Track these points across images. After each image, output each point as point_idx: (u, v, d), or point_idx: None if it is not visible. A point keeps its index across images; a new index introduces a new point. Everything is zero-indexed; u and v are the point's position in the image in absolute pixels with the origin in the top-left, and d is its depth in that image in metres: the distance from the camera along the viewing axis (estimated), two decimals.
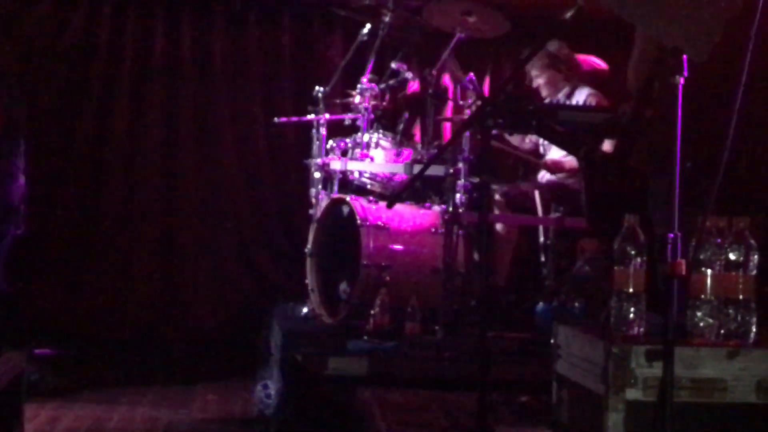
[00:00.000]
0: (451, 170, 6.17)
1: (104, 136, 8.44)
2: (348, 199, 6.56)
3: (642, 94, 4.31)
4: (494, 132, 5.79)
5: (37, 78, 8.25)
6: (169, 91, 8.57)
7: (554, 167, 6.79)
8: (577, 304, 5.68)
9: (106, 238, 8.41)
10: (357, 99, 6.90)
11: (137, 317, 8.35)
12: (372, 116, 6.83)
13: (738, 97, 3.12)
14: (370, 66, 7.08)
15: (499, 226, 6.87)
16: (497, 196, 6.85)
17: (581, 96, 6.74)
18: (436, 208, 6.59)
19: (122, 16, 8.50)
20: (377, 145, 6.71)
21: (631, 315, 3.30)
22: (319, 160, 6.93)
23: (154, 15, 8.57)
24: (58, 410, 6.12)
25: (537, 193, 6.83)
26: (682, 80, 3.07)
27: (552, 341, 3.73)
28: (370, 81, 6.89)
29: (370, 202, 6.56)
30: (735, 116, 3.10)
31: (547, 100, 6.94)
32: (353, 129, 6.97)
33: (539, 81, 6.95)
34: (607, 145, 5.51)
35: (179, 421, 6.10)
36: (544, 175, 6.98)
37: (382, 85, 7.01)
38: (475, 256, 6.36)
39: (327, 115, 7.07)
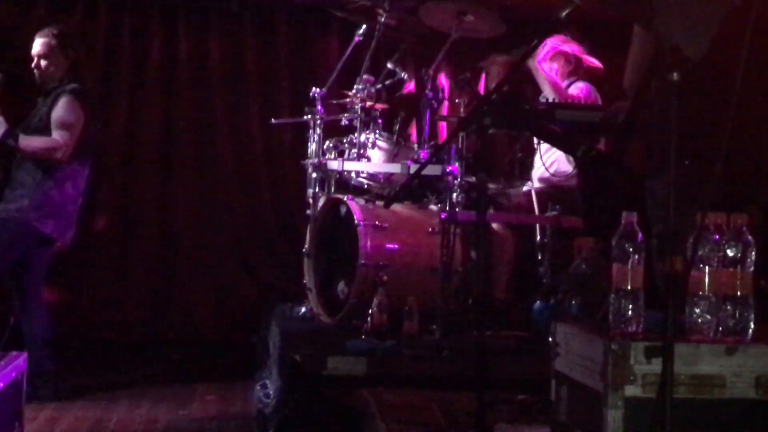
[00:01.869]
0: (448, 170, 6.18)
1: (101, 138, 8.43)
2: (345, 199, 6.58)
3: (639, 92, 4.33)
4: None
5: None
6: (166, 94, 8.59)
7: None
8: (573, 302, 5.70)
9: (104, 239, 8.42)
10: (353, 99, 6.91)
11: (136, 318, 8.37)
12: (368, 117, 6.84)
13: (735, 94, 3.14)
14: (365, 66, 7.10)
15: (495, 226, 6.88)
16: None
17: (575, 91, 6.78)
18: (433, 207, 6.61)
19: (118, 19, 8.52)
20: (374, 145, 6.72)
21: (630, 312, 3.31)
22: (315, 161, 6.95)
23: (149, 18, 8.59)
24: (58, 411, 6.12)
25: (533, 192, 6.85)
26: (678, 78, 3.08)
27: (550, 339, 3.74)
28: (365, 81, 6.90)
29: (367, 202, 6.57)
30: (732, 113, 3.12)
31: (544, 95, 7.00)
32: (350, 129, 6.98)
33: (546, 65, 6.99)
34: (602, 144, 5.54)
35: (179, 421, 6.11)
36: (539, 174, 7.00)
37: (378, 86, 7.03)
38: (473, 255, 6.38)
39: (324, 116, 7.08)
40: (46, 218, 6.31)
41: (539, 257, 6.57)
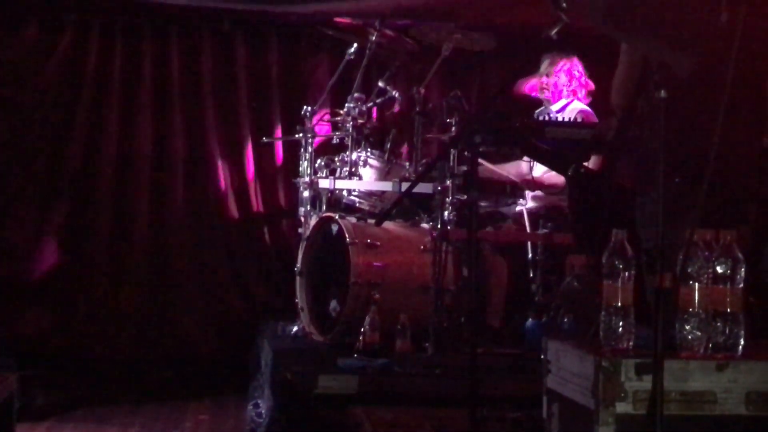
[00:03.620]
0: (440, 188, 6.18)
1: (93, 158, 8.44)
2: (336, 217, 6.58)
3: (627, 110, 4.35)
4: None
5: (24, 102, 8.28)
6: (158, 113, 8.57)
7: (535, 185, 6.80)
8: (566, 320, 5.70)
9: (97, 257, 8.40)
10: (345, 118, 6.92)
11: (128, 337, 8.33)
12: (360, 135, 6.85)
13: (723, 110, 3.15)
14: (356, 85, 7.12)
15: (487, 251, 6.88)
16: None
17: (573, 112, 6.83)
18: (425, 225, 6.61)
19: (110, 38, 8.51)
20: (365, 163, 6.73)
21: (620, 329, 3.32)
22: (307, 179, 6.95)
23: (141, 37, 8.57)
24: (51, 430, 6.11)
25: (525, 210, 6.86)
26: (666, 95, 3.09)
27: (542, 356, 3.74)
28: (357, 100, 6.92)
29: (358, 220, 6.58)
30: (720, 130, 3.13)
31: (542, 109, 7.04)
32: (341, 148, 7.00)
33: (549, 80, 7.05)
34: (592, 162, 5.55)
35: None
36: (533, 192, 7.01)
37: (370, 104, 7.04)
38: (464, 272, 6.38)
39: (315, 134, 7.09)
40: None
41: (531, 275, 6.57)
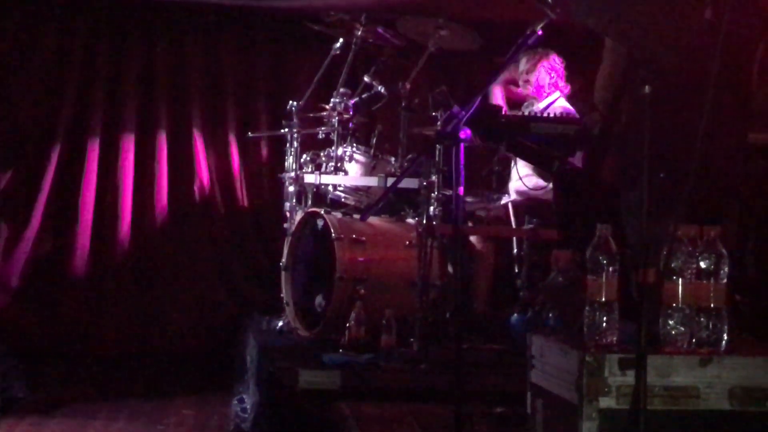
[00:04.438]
0: (425, 183, 6.18)
1: (78, 151, 8.42)
2: (322, 212, 6.58)
3: (611, 106, 4.35)
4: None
5: (9, 94, 8.25)
6: (144, 107, 8.56)
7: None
8: (551, 315, 5.70)
9: (81, 252, 8.38)
10: (330, 113, 6.92)
11: (113, 332, 8.32)
12: (345, 130, 6.85)
13: (707, 106, 3.16)
14: (342, 80, 7.11)
15: (474, 240, 6.90)
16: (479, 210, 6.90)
17: (558, 108, 6.84)
18: (411, 220, 6.61)
19: (96, 31, 8.49)
20: (351, 158, 6.73)
21: (604, 324, 3.32)
22: (293, 174, 6.95)
23: (127, 32, 8.57)
24: (35, 426, 6.09)
25: (510, 205, 6.87)
26: (650, 91, 3.10)
27: (526, 352, 3.75)
28: (343, 95, 6.91)
29: (344, 215, 6.58)
30: (704, 126, 3.14)
31: (527, 103, 7.05)
32: (327, 143, 6.99)
33: (529, 77, 7.07)
34: (578, 157, 5.56)
35: None
36: (516, 186, 7.02)
37: (355, 99, 7.03)
38: (450, 268, 6.39)
39: (301, 129, 7.09)
40: None
41: (516, 270, 6.58)
